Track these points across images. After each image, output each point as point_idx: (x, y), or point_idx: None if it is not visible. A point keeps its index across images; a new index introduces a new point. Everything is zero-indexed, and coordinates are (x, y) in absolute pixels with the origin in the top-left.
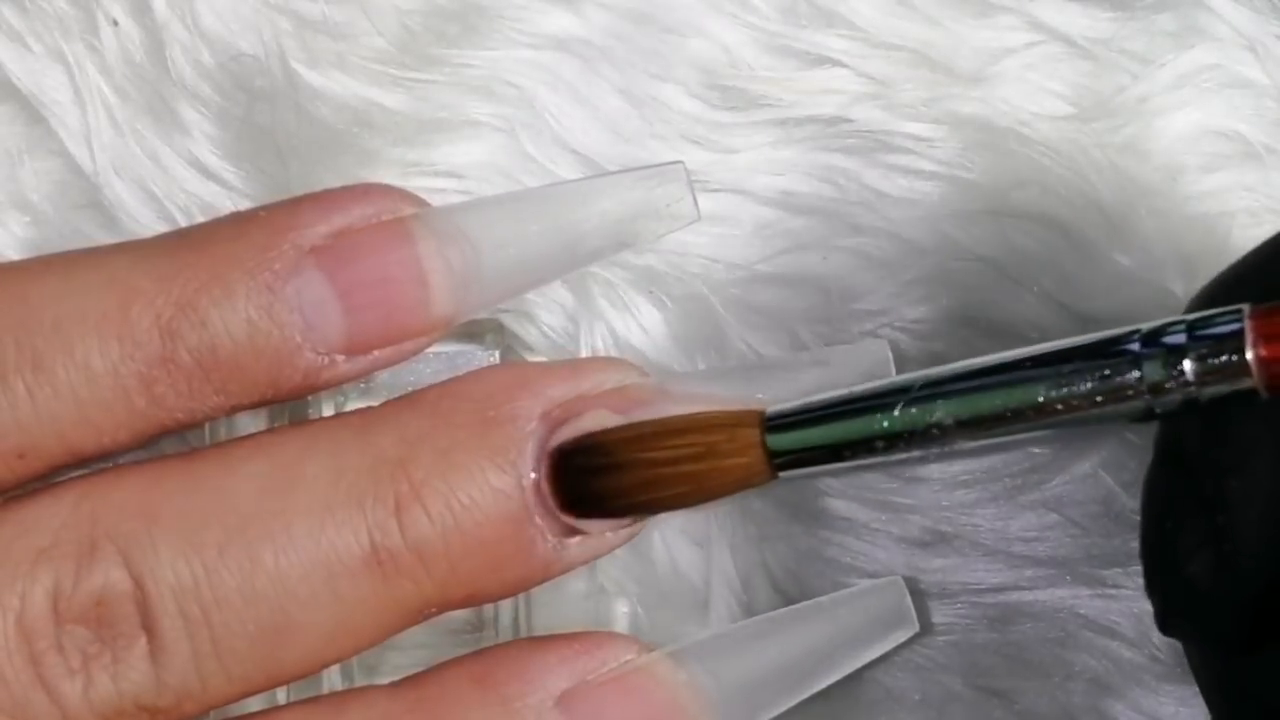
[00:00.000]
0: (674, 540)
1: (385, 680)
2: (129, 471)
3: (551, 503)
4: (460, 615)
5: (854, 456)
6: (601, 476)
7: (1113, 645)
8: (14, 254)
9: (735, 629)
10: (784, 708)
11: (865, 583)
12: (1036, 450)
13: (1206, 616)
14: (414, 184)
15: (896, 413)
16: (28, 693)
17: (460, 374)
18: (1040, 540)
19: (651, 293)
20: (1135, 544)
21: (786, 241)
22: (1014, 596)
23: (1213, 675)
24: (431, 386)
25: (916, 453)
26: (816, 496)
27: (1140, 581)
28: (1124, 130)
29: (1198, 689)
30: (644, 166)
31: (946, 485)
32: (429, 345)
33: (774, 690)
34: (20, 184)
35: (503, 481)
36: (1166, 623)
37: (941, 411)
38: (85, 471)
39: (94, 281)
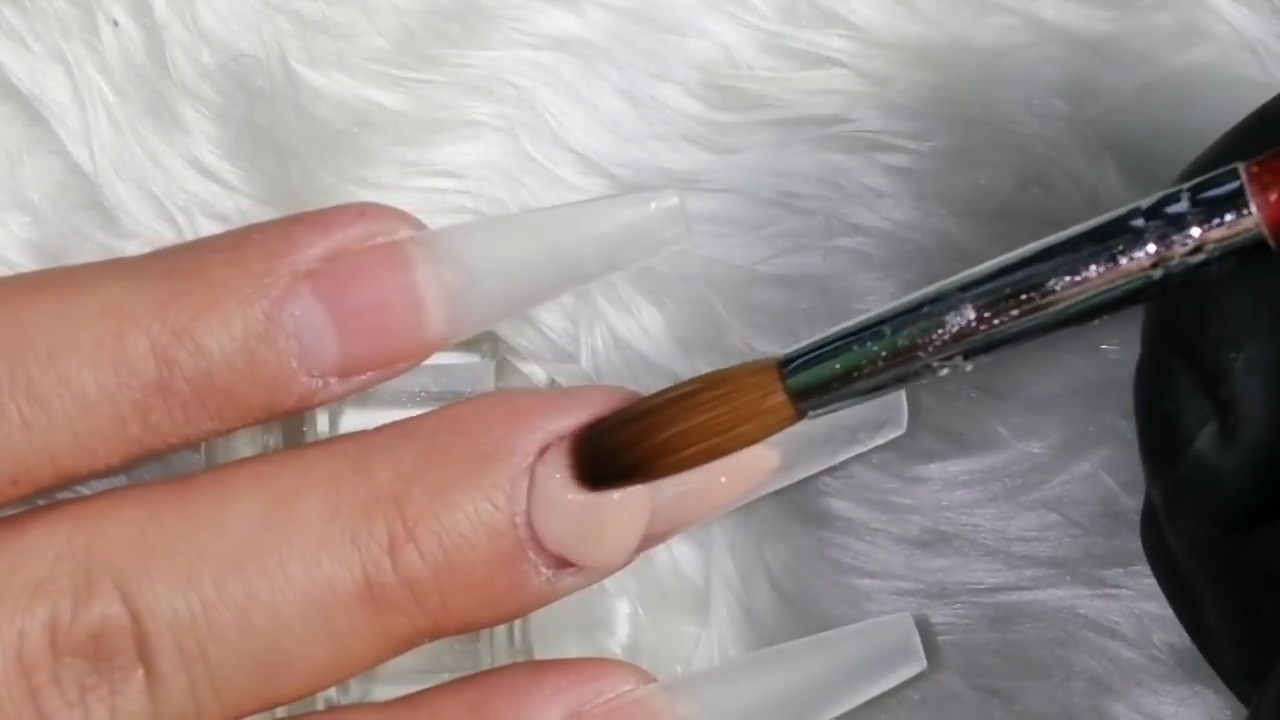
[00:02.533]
0: (674, 540)
1: (378, 684)
2: (123, 500)
3: (572, 485)
4: None
5: (874, 376)
6: (622, 428)
7: (1113, 645)
8: (14, 254)
9: (735, 662)
10: None
11: (874, 619)
12: (1036, 450)
13: (1215, 492)
14: (414, 184)
15: (906, 326)
16: None
17: (458, 401)
18: (1040, 540)
19: (651, 293)
20: (1136, 544)
21: (786, 241)
22: (1014, 596)
23: (1217, 556)
24: (429, 415)
25: (936, 362)
26: (816, 496)
27: (1140, 581)
28: (1124, 130)
29: (1197, 689)
30: (638, 191)
31: (946, 485)
32: (421, 363)
33: None
34: (20, 184)
35: (496, 520)
36: (1174, 508)
37: (959, 313)
38: (75, 496)
39: (88, 307)
